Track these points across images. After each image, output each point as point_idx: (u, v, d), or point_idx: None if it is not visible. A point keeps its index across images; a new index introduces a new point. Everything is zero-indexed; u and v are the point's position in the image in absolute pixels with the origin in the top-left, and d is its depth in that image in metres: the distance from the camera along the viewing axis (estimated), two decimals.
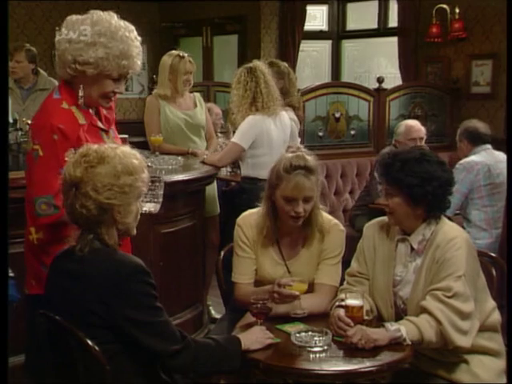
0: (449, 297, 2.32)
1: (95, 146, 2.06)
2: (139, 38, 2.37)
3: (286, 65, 4.79)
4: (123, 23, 2.33)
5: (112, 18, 2.31)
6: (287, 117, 4.19)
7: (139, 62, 2.38)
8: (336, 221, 2.76)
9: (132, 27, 2.36)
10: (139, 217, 2.13)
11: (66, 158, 2.08)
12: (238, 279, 2.72)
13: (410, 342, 2.27)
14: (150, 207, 2.47)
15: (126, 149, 2.09)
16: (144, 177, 2.07)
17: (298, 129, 4.62)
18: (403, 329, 2.28)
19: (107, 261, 2.02)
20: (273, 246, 2.70)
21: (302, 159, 2.61)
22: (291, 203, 2.57)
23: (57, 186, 2.21)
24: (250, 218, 2.75)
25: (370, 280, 2.58)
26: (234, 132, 4.23)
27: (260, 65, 4.01)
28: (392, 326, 2.29)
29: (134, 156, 2.07)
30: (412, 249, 2.49)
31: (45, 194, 2.27)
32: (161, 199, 2.52)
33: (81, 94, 2.34)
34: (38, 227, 2.35)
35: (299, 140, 4.80)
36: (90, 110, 2.42)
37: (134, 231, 2.14)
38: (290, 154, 2.62)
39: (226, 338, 2.32)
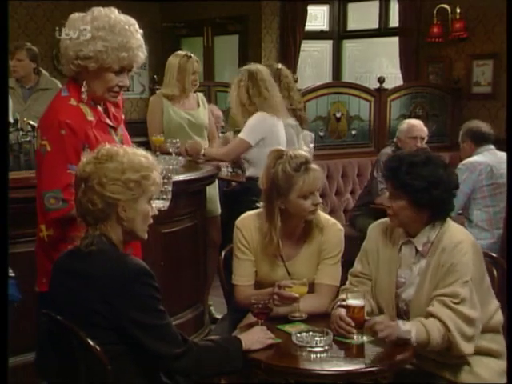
0: (456, 303, 2.31)
1: (108, 146, 2.09)
2: (140, 31, 2.39)
3: (279, 66, 4.56)
4: (123, 17, 2.36)
5: (112, 13, 2.34)
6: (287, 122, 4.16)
7: (141, 55, 2.39)
8: (334, 220, 2.78)
9: (133, 21, 2.38)
10: (150, 221, 2.12)
11: (82, 158, 2.10)
12: (238, 281, 2.72)
13: (415, 344, 2.27)
14: (159, 204, 2.48)
15: (138, 150, 2.11)
16: (153, 177, 2.07)
17: (298, 133, 4.50)
18: (413, 332, 2.27)
19: (112, 262, 2.02)
20: (272, 248, 2.70)
21: (300, 156, 2.64)
22: (309, 198, 2.60)
23: (65, 181, 2.25)
24: (250, 220, 2.75)
25: (372, 281, 2.58)
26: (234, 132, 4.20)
27: (262, 70, 3.97)
28: (404, 326, 2.28)
29: (143, 155, 2.08)
30: (416, 251, 2.49)
31: (53, 188, 2.29)
32: (170, 196, 2.54)
33: (83, 89, 2.36)
34: (49, 224, 2.36)
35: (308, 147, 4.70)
36: (99, 107, 2.44)
37: (145, 235, 2.13)
38: (284, 158, 2.62)
39: (227, 339, 2.32)
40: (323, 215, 2.75)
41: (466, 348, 2.32)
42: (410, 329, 2.28)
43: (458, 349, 2.30)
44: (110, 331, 1.99)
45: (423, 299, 2.41)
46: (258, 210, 2.75)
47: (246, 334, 2.30)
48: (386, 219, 2.59)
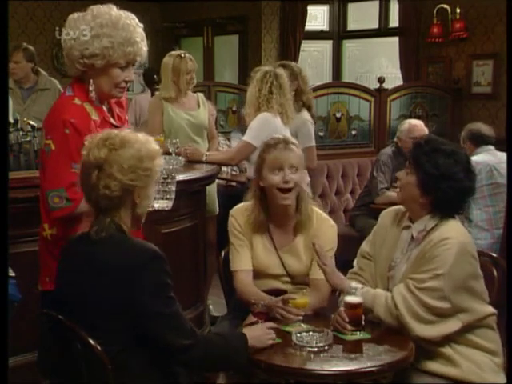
0: (418, 288, 2.35)
1: (116, 131, 2.13)
2: (141, 25, 2.41)
3: (297, 64, 4.82)
4: (123, 13, 2.39)
5: (111, 10, 2.37)
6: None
7: (144, 48, 2.42)
8: (327, 216, 2.82)
9: (133, 15, 2.41)
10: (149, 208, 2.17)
11: (85, 142, 2.10)
12: (237, 267, 2.74)
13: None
14: (163, 204, 2.49)
15: (145, 136, 2.14)
16: (160, 163, 2.13)
17: (314, 129, 4.59)
18: (359, 292, 2.40)
19: (124, 246, 2.04)
20: (265, 234, 2.74)
21: (283, 136, 2.80)
22: (279, 173, 2.64)
23: (69, 179, 2.26)
24: (243, 209, 2.80)
25: (374, 262, 2.61)
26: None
27: (282, 75, 4.01)
28: (352, 283, 2.45)
29: (153, 142, 2.13)
30: (412, 238, 2.51)
31: (57, 187, 2.30)
32: (173, 196, 2.55)
33: (91, 88, 2.38)
34: (52, 223, 2.37)
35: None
36: (104, 107, 2.46)
37: (143, 219, 2.18)
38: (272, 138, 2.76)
39: (233, 334, 2.30)
40: (316, 210, 2.79)
41: (422, 330, 2.34)
42: (357, 287, 2.39)
43: (411, 329, 2.34)
44: (121, 317, 1.98)
45: None
46: (250, 201, 2.79)
47: (249, 330, 2.29)
48: (400, 206, 2.62)
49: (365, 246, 2.67)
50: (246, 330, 2.31)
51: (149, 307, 1.98)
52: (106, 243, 2.03)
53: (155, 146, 2.11)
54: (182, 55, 4.39)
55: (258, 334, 2.27)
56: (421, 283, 2.35)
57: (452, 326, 2.38)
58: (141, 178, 2.04)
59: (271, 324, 2.35)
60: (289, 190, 2.65)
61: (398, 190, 2.61)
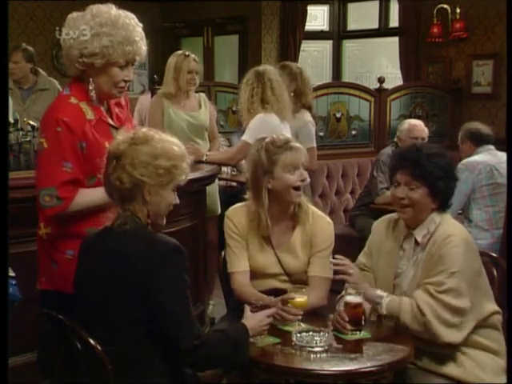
0: (440, 292, 2.35)
1: (145, 129, 2.16)
2: (140, 25, 2.42)
3: (298, 65, 4.82)
4: (122, 12, 2.40)
5: (111, 9, 2.38)
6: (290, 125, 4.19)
7: (144, 47, 2.43)
8: (323, 214, 2.83)
9: (132, 15, 2.41)
10: (171, 208, 2.18)
11: (118, 136, 2.15)
12: (233, 268, 2.74)
13: (385, 312, 2.39)
14: None
15: (172, 138, 2.16)
16: (183, 167, 2.12)
17: (315, 130, 4.60)
18: (386, 301, 2.40)
19: (146, 239, 2.06)
20: (262, 235, 2.73)
21: (283, 136, 2.77)
22: (295, 172, 2.66)
23: (60, 178, 2.28)
24: (238, 210, 2.80)
25: (374, 272, 2.62)
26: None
27: (269, 70, 3.98)
28: (378, 292, 2.43)
29: (177, 144, 2.14)
30: (416, 243, 2.52)
31: (48, 185, 2.30)
32: None
33: (91, 87, 2.39)
34: (46, 222, 2.39)
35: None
36: (102, 108, 2.45)
37: (163, 222, 2.19)
38: (266, 140, 2.71)
39: (235, 329, 2.26)
40: (312, 207, 2.80)
41: (450, 335, 2.34)
42: (383, 295, 2.40)
43: (440, 335, 2.33)
44: (139, 310, 1.99)
45: (415, 289, 2.44)
46: (246, 202, 2.79)
47: (247, 320, 2.29)
48: (391, 215, 2.64)
49: (361, 258, 2.69)
50: (245, 321, 2.30)
51: (165, 300, 1.99)
52: (129, 236, 2.06)
53: (178, 148, 2.12)
54: (187, 54, 4.41)
55: (254, 323, 2.27)
56: (440, 286, 2.35)
57: (470, 325, 2.40)
58: (151, 174, 2.05)
59: (270, 311, 2.34)
60: (300, 187, 2.69)
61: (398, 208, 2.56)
